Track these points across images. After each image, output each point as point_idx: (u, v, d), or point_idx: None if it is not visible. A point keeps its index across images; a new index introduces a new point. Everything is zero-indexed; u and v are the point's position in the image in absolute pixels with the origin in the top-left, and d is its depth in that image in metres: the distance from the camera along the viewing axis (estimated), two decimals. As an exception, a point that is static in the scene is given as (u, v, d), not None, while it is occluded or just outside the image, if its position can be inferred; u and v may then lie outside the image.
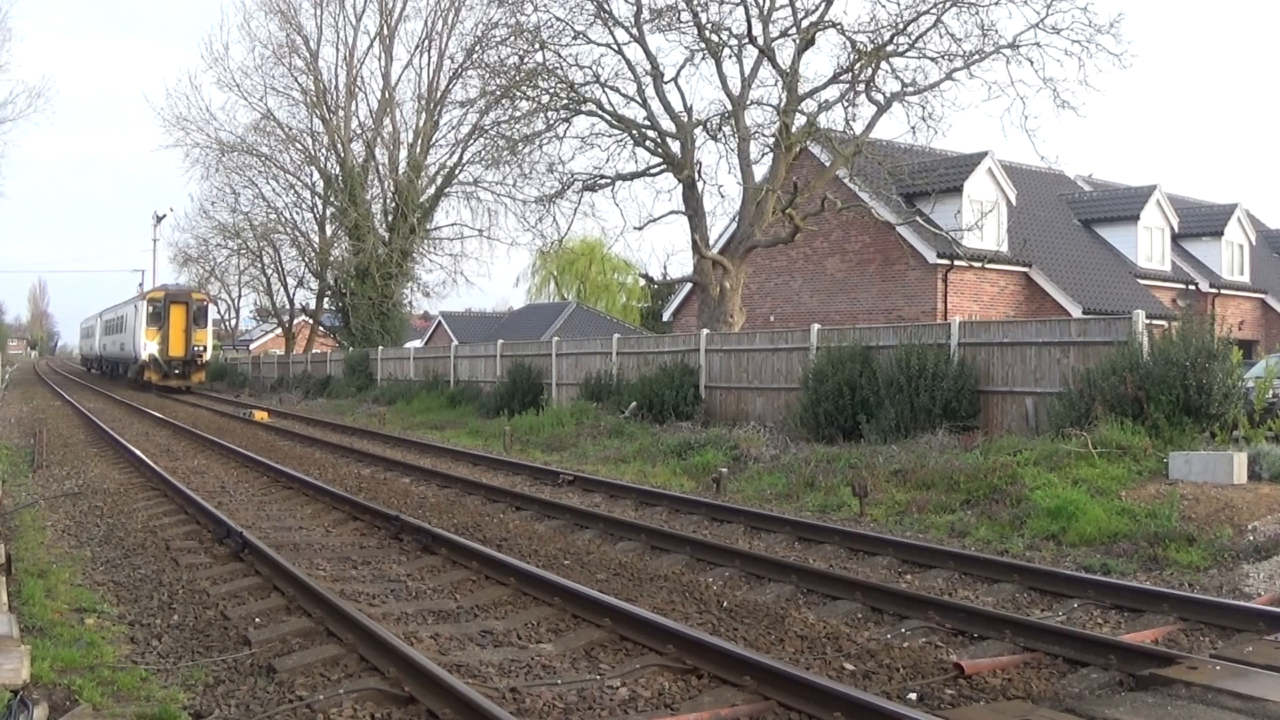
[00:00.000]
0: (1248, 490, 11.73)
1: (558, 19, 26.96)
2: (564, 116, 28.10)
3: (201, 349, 46.56)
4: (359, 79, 46.16)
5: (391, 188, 45.54)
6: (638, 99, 27.08)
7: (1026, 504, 11.96)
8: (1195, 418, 13.76)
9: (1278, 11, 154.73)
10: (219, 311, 62.58)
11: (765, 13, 25.08)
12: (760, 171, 26.40)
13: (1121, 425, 13.64)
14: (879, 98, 24.44)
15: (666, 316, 38.65)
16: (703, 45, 25.78)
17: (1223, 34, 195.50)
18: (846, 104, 24.80)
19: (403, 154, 45.66)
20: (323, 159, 47.37)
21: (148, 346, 45.18)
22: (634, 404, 22.54)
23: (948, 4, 23.38)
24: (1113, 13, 55.94)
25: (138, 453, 17.95)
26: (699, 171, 26.61)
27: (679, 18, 25.94)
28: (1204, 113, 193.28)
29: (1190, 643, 7.56)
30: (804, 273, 31.63)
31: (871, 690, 6.38)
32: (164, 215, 71.12)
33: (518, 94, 28.33)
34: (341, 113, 45.76)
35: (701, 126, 26.69)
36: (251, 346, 77.56)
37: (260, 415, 30.44)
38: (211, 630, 7.53)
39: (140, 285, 75.51)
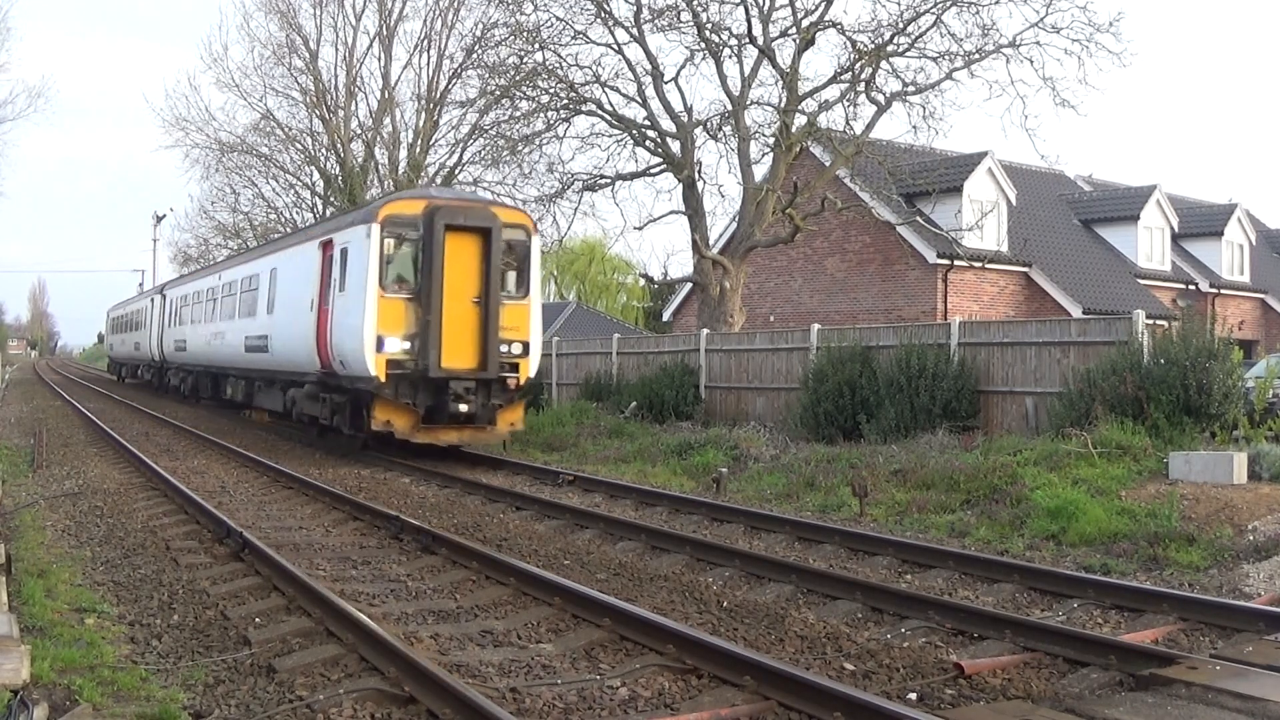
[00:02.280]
0: (1248, 490, 11.74)
1: (557, 19, 26.97)
2: (564, 116, 28.12)
3: (520, 350, 18.08)
4: (359, 79, 46.13)
5: (391, 188, 45.53)
6: (638, 99, 27.10)
7: (1026, 504, 11.96)
8: (1195, 418, 13.76)
9: (1278, 11, 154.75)
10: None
11: (765, 13, 25.09)
12: (760, 171, 26.40)
13: (1121, 425, 13.65)
14: (879, 97, 24.44)
15: (666, 316, 38.65)
16: (703, 45, 25.78)
17: (1222, 34, 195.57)
18: (846, 104, 24.81)
19: (403, 154, 45.63)
20: (323, 159, 47.34)
21: (385, 344, 16.97)
22: (634, 404, 22.54)
23: (948, 3, 23.39)
24: (1112, 12, 55.98)
25: (138, 453, 17.94)
26: (699, 171, 26.63)
27: (679, 18, 25.94)
28: (1204, 113, 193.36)
29: (1190, 643, 7.56)
30: (804, 273, 31.63)
31: (871, 690, 6.38)
32: (164, 215, 70.87)
33: (518, 94, 28.35)
34: (341, 113, 45.74)
35: (701, 126, 26.69)
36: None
37: (260, 415, 30.39)
38: (211, 630, 7.53)
39: (140, 285, 74.72)
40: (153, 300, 40.45)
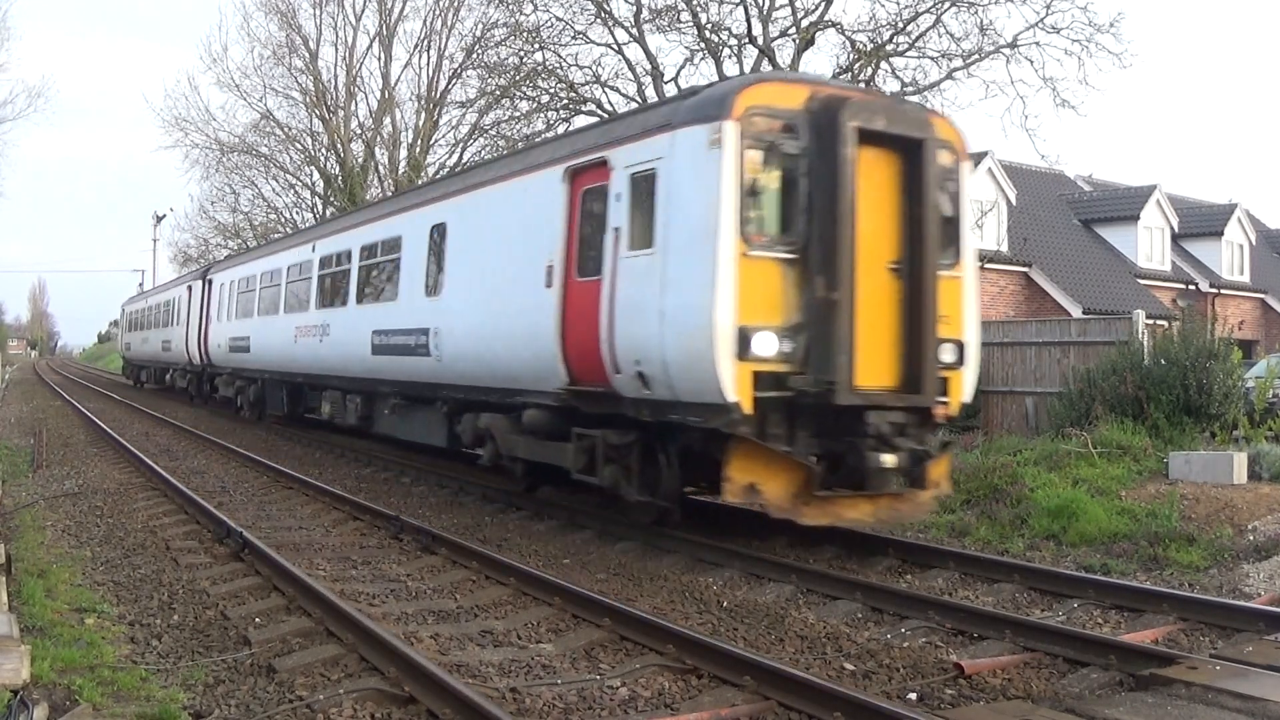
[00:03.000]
0: (1248, 490, 11.74)
1: (557, 19, 26.97)
2: (564, 116, 28.11)
3: (953, 356, 10.05)
4: (358, 79, 46.17)
5: (391, 188, 45.58)
6: (638, 99, 27.08)
7: (1027, 504, 11.96)
8: (1195, 418, 13.78)
9: (1277, 11, 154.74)
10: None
11: (765, 13, 25.10)
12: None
13: (1121, 425, 13.66)
14: (879, 97, 24.41)
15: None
16: (703, 45, 25.78)
17: (1222, 34, 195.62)
18: (846, 104, 24.75)
19: (403, 154, 45.68)
20: (322, 159, 47.41)
21: (753, 342, 9.04)
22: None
23: (947, 4, 23.40)
24: (1112, 12, 55.99)
25: (138, 453, 17.94)
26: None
27: (679, 18, 25.95)
28: (1204, 113, 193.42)
29: (1190, 643, 7.56)
30: (804, 273, 31.58)
31: (871, 690, 6.38)
32: (164, 215, 70.80)
33: (518, 94, 28.37)
34: (341, 113, 45.77)
35: (702, 126, 26.62)
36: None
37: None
38: (211, 630, 7.53)
39: (140, 285, 74.66)
40: (190, 288, 31.68)
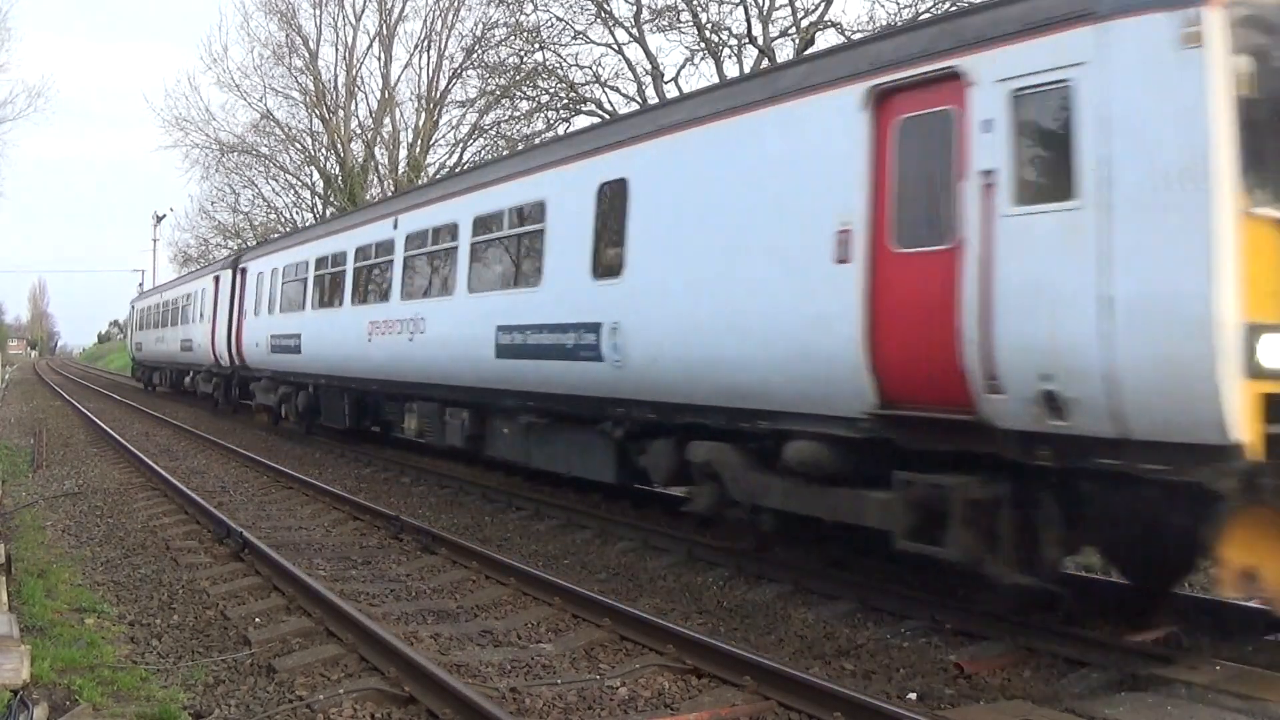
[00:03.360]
0: (1248, 490, 11.73)
1: (557, 19, 27.05)
2: (564, 116, 28.18)
3: None
4: (358, 79, 46.20)
5: (391, 188, 45.60)
6: (638, 99, 27.13)
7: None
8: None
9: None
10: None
11: (765, 13, 25.13)
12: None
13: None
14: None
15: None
16: (703, 45, 25.83)
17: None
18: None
19: (403, 154, 45.71)
20: (322, 159, 47.45)
21: (1261, 348, 5.94)
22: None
23: (948, 4, 23.41)
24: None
25: (138, 453, 17.94)
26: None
27: (679, 18, 26.00)
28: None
29: (1190, 643, 7.56)
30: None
31: (871, 690, 6.38)
32: (164, 215, 70.79)
33: (518, 94, 28.42)
34: (341, 113, 45.79)
35: (702, 126, 26.60)
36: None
37: (261, 415, 30.35)
38: (211, 630, 7.54)
39: (140, 285, 74.61)
40: (218, 279, 27.83)
